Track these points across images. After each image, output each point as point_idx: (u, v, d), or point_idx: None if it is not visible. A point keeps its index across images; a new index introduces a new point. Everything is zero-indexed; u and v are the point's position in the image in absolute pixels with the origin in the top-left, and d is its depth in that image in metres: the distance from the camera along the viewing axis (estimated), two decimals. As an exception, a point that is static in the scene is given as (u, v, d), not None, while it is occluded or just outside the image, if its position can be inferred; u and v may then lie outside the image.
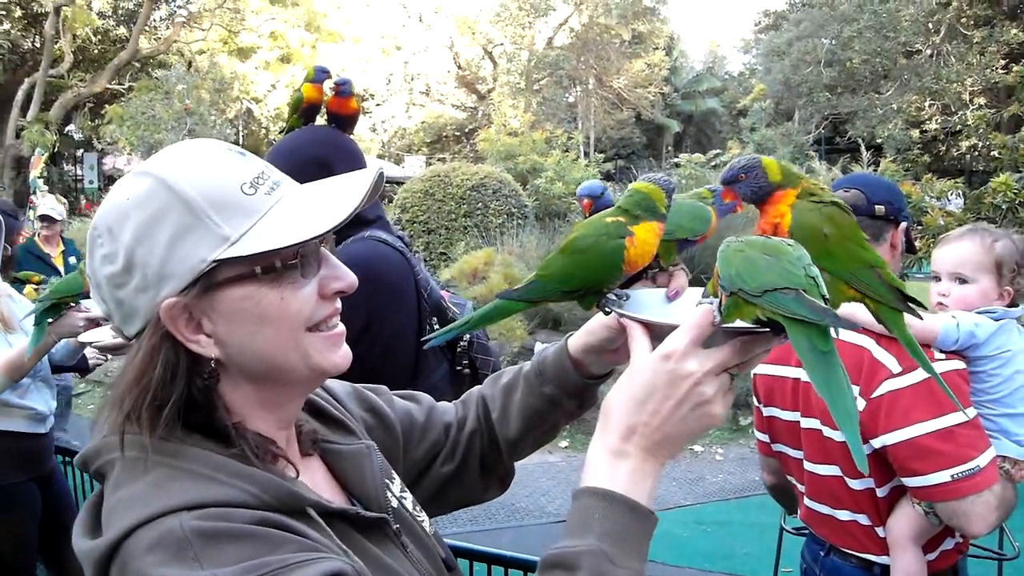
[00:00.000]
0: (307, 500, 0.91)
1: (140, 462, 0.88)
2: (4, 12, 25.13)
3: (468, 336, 2.40)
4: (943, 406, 1.88)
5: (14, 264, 3.33)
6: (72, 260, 6.83)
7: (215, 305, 0.90)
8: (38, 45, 25.58)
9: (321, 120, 2.57)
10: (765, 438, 2.35)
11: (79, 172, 26.57)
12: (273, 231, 0.89)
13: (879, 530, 2.04)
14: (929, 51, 21.96)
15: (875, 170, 14.93)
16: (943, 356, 1.96)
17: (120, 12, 27.82)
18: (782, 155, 17.72)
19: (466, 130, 33.35)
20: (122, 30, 27.46)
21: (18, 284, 3.46)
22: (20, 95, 23.15)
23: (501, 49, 32.91)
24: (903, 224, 2.13)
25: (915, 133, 22.15)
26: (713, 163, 18.30)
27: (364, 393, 1.27)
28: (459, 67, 34.47)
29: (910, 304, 1.10)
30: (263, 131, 27.01)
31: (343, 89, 2.47)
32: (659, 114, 33.63)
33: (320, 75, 2.55)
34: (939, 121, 22.10)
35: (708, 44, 45.30)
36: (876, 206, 2.08)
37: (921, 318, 1.14)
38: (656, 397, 0.92)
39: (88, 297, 2.50)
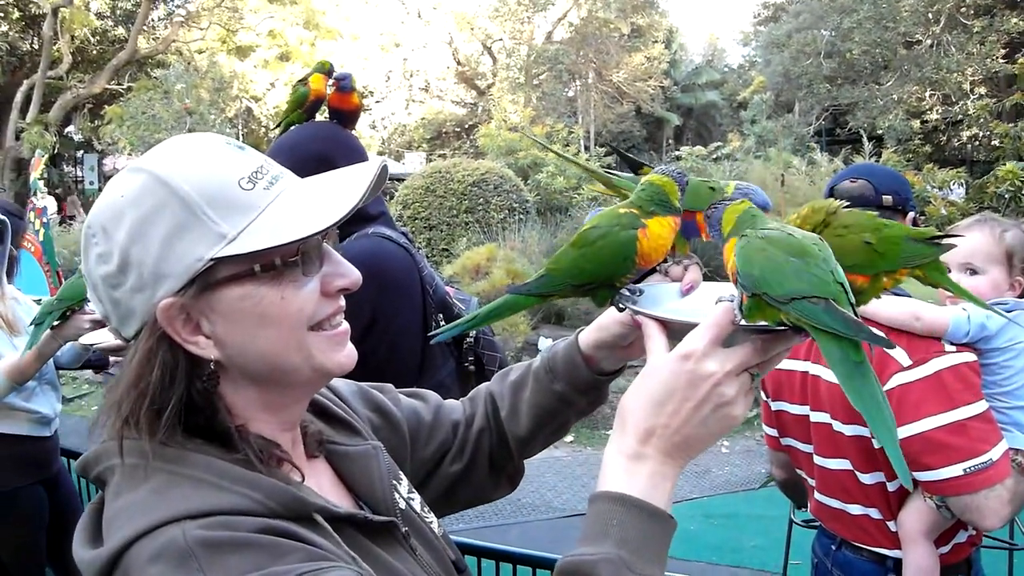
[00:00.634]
0: (313, 505, 0.89)
1: (140, 468, 0.85)
2: (2, 14, 25.09)
3: (474, 332, 2.38)
4: (954, 400, 1.86)
5: (19, 267, 3.30)
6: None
7: (213, 305, 0.87)
8: (36, 46, 25.54)
9: (322, 116, 2.55)
10: (774, 432, 2.33)
11: (79, 173, 26.57)
12: (272, 228, 0.86)
13: (891, 524, 2.02)
14: (929, 41, 21.88)
15: (878, 160, 14.88)
16: (954, 348, 1.94)
17: (118, 12, 27.75)
18: (783, 147, 17.64)
19: (466, 126, 33.29)
20: (120, 30, 27.39)
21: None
22: (19, 97, 23.13)
23: (500, 44, 32.84)
24: (911, 214, 2.10)
25: (916, 123, 22.08)
26: (714, 155, 18.26)
27: (370, 392, 1.25)
28: (458, 63, 34.40)
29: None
30: (263, 130, 26.96)
31: (344, 84, 2.44)
32: (659, 107, 33.53)
33: (332, 70, 2.51)
34: (940, 111, 22.03)
35: (707, 37, 45.14)
36: (884, 196, 2.06)
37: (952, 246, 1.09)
38: (675, 398, 0.90)
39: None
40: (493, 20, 31.91)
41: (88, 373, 7.98)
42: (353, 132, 2.52)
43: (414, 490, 1.15)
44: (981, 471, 1.82)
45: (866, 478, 2.02)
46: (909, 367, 1.91)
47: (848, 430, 2.00)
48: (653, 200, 1.11)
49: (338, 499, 0.99)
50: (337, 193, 0.90)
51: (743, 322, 0.90)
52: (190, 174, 0.87)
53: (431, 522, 1.11)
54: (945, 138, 22.75)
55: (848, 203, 1.14)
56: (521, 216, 12.19)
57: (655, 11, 33.79)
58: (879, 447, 1.90)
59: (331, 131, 2.42)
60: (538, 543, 4.61)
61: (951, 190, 10.24)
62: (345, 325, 0.97)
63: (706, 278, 1.15)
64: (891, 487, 2.00)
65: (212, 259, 0.85)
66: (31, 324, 2.70)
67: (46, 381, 3.08)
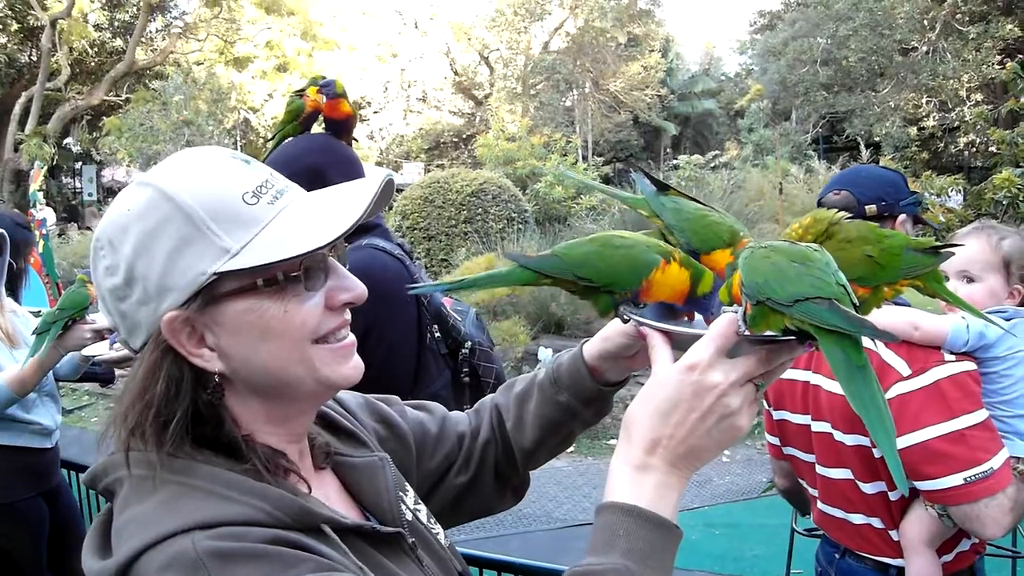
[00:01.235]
0: (321, 516, 0.89)
1: (148, 480, 0.86)
2: (0, 26, 25.15)
3: (470, 344, 2.38)
4: (954, 409, 1.86)
5: (26, 281, 3.29)
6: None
7: (217, 318, 0.88)
8: (35, 58, 25.61)
9: (319, 128, 2.54)
10: (776, 441, 2.33)
11: (78, 185, 26.58)
12: (275, 242, 0.87)
13: (893, 533, 2.02)
14: (925, 48, 21.92)
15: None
16: (953, 358, 1.94)
17: (116, 24, 27.83)
18: (781, 155, 17.67)
19: (464, 136, 33.33)
20: (118, 42, 27.46)
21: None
22: (18, 109, 23.20)
23: (497, 54, 32.87)
24: (901, 216, 2.10)
25: (913, 130, 22.09)
26: (712, 164, 18.30)
27: (375, 404, 1.25)
28: (456, 73, 34.45)
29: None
30: (261, 140, 27.00)
31: (327, 90, 2.41)
32: (656, 116, 33.57)
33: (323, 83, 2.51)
34: (937, 118, 22.05)
35: (704, 46, 45.21)
36: (866, 207, 2.05)
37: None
38: (681, 409, 0.90)
39: (95, 310, 2.49)
40: (490, 30, 31.97)
41: (88, 385, 7.97)
42: (352, 142, 2.51)
43: (420, 501, 1.15)
44: (982, 480, 1.82)
45: (867, 487, 2.02)
46: (908, 377, 1.91)
47: (849, 440, 2.01)
48: (690, 262, 1.11)
49: (345, 510, 0.99)
50: (340, 207, 0.91)
51: (747, 332, 0.91)
52: (195, 189, 0.88)
53: (437, 533, 1.12)
54: (942, 145, 22.78)
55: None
56: (520, 226, 12.21)
57: (651, 20, 33.87)
58: (880, 456, 1.91)
59: (325, 143, 2.40)
60: (539, 553, 4.59)
61: (949, 197, 10.26)
62: (351, 338, 0.97)
63: None
64: (893, 496, 2.00)
65: (215, 273, 0.86)
66: (33, 334, 2.71)
67: (46, 392, 3.08)
